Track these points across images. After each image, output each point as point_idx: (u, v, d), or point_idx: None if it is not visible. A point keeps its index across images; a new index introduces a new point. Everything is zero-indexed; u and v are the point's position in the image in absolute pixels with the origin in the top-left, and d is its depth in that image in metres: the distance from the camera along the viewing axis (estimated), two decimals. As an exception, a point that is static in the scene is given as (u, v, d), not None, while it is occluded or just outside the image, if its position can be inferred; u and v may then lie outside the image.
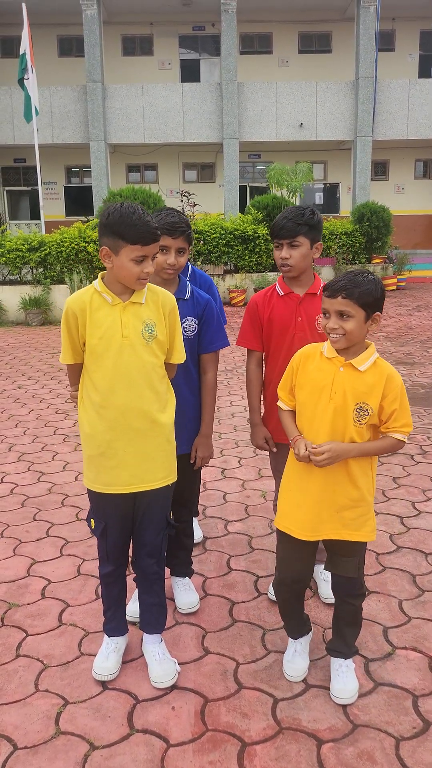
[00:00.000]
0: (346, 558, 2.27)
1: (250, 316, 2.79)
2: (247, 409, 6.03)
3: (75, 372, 2.37)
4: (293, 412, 2.30)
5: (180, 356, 2.40)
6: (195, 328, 2.67)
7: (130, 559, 2.54)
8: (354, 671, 2.34)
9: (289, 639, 2.47)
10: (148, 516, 2.38)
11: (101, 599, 2.52)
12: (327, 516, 2.20)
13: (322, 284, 2.69)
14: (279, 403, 2.35)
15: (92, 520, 2.41)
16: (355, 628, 2.37)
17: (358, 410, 2.11)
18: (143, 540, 2.42)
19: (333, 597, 2.42)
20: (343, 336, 2.08)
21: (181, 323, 2.59)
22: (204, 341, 2.70)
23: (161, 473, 2.35)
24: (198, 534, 3.46)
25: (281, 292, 2.71)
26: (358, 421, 2.12)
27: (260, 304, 2.76)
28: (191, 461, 2.74)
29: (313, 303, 2.67)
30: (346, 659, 2.35)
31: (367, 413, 2.11)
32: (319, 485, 2.18)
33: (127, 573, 2.55)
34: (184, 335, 2.60)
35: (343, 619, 2.35)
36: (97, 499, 2.36)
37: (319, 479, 2.18)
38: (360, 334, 2.10)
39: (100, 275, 2.27)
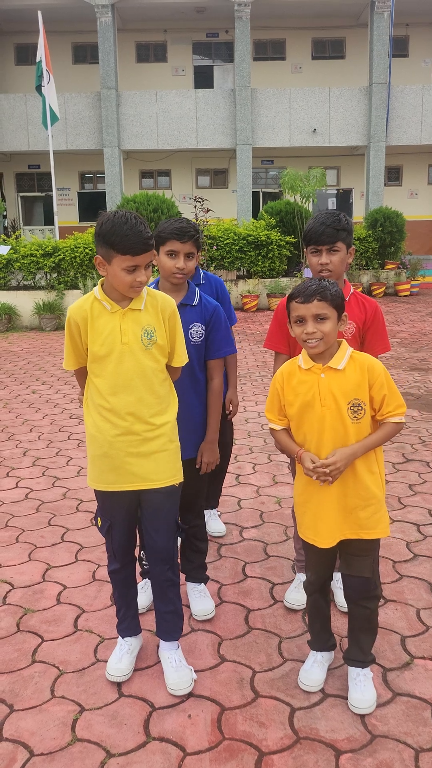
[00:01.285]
0: (360, 557, 2.26)
1: (277, 319, 2.80)
2: (261, 414, 6.04)
3: (82, 376, 2.42)
4: (287, 430, 2.33)
5: (181, 359, 2.41)
6: (202, 334, 2.68)
7: (139, 560, 2.54)
8: (372, 680, 2.31)
9: (311, 651, 2.46)
10: (157, 519, 2.37)
11: (113, 599, 2.52)
12: (343, 519, 2.22)
13: (352, 290, 2.68)
14: (271, 425, 2.36)
15: (99, 518, 2.43)
16: (370, 635, 2.34)
17: (352, 408, 2.15)
18: (155, 546, 2.40)
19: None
20: (321, 340, 2.13)
21: (189, 329, 2.62)
22: (211, 347, 2.71)
23: (165, 473, 2.34)
24: (221, 528, 3.61)
25: None
26: (355, 417, 2.16)
27: None
28: (197, 466, 2.74)
29: None
30: (363, 668, 2.32)
31: (360, 408, 2.15)
32: (334, 492, 2.20)
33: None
34: (191, 341, 2.62)
35: (359, 625, 2.33)
36: (102, 497, 2.39)
37: (333, 487, 2.20)
38: (334, 335, 2.16)
39: (99, 282, 2.29)
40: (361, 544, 2.25)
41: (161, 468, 2.33)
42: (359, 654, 2.33)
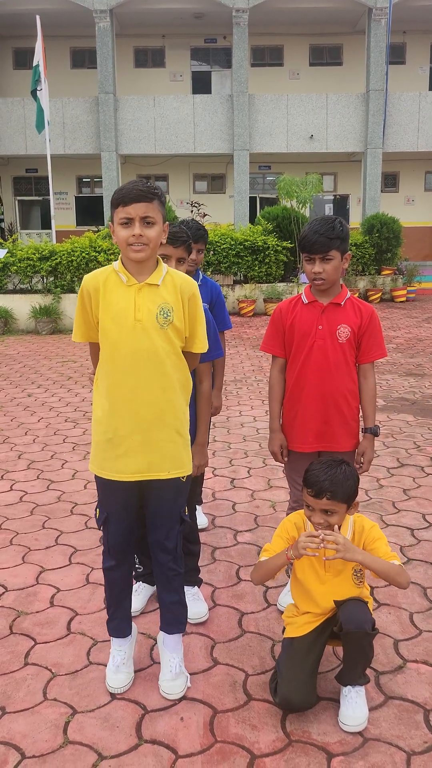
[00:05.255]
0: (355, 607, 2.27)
1: (274, 323, 2.81)
2: (257, 419, 6.05)
3: (95, 352, 2.32)
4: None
5: (202, 344, 2.31)
6: None
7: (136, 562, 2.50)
8: (364, 697, 2.25)
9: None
10: (159, 511, 2.31)
11: (105, 595, 2.48)
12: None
13: (348, 295, 2.70)
14: (262, 559, 2.36)
15: (98, 509, 2.35)
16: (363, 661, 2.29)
17: (357, 573, 2.30)
18: (156, 537, 2.34)
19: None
20: (328, 525, 2.23)
21: None
22: None
23: (168, 464, 2.25)
24: (203, 520, 3.76)
25: (306, 301, 2.73)
26: (360, 582, 2.31)
27: (285, 310, 2.79)
28: None
29: (335, 313, 2.69)
30: (354, 686, 2.26)
31: (361, 572, 2.31)
32: (325, 596, 2.31)
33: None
34: None
35: (353, 653, 2.25)
36: (102, 485, 2.31)
37: (326, 591, 2.31)
38: (342, 520, 2.26)
39: (121, 255, 2.22)
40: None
41: (164, 459, 2.24)
42: (353, 676, 2.26)
